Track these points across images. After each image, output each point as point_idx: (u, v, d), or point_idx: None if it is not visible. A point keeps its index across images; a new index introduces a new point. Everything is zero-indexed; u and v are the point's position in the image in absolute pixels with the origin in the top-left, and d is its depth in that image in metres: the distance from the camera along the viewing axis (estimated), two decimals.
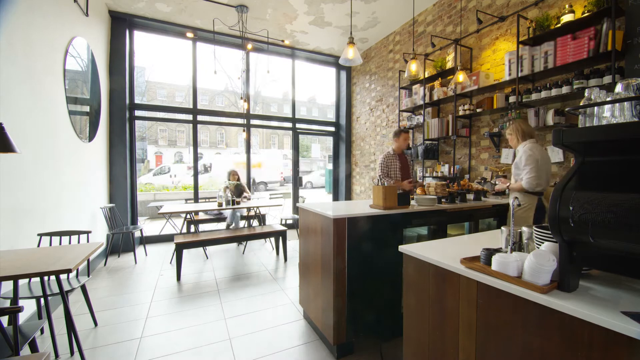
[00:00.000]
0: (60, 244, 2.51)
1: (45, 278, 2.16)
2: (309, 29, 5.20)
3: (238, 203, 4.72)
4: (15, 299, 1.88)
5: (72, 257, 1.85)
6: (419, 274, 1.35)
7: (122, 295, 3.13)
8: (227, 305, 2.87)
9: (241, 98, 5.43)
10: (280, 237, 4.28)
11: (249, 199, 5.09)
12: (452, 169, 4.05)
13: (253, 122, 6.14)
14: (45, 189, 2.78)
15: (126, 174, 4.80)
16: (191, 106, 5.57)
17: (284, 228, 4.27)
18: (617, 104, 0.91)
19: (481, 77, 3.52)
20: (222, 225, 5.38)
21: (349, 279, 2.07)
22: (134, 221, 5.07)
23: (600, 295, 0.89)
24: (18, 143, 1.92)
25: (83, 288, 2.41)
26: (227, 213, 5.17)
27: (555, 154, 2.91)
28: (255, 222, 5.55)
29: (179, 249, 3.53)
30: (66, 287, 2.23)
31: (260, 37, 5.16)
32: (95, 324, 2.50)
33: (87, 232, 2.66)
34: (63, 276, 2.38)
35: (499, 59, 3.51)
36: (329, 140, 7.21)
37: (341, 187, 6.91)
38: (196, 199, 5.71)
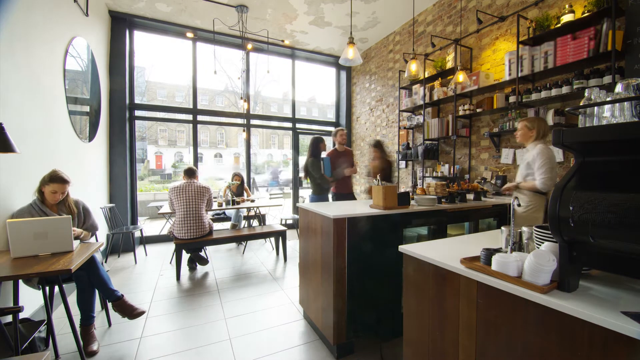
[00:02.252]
0: None
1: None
2: (309, 29, 5.20)
3: (239, 203, 4.73)
4: (15, 298, 1.88)
5: (72, 257, 1.85)
6: (419, 274, 1.35)
7: None
8: (227, 305, 2.87)
9: (241, 98, 5.43)
10: (280, 237, 4.28)
11: (252, 200, 5.11)
12: (452, 169, 4.05)
13: (253, 122, 6.15)
14: None
15: (126, 174, 4.80)
16: (191, 106, 5.57)
17: (284, 228, 4.27)
18: (617, 104, 0.91)
19: (481, 77, 3.52)
20: (222, 225, 5.38)
21: (349, 279, 2.07)
22: (134, 221, 5.07)
23: (600, 295, 0.89)
24: (18, 143, 1.92)
25: None
26: (231, 213, 5.18)
27: (555, 154, 2.91)
28: (255, 222, 5.56)
29: (179, 249, 3.53)
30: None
31: (260, 37, 5.16)
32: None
33: None
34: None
35: (499, 59, 3.51)
36: (329, 140, 7.19)
37: None
38: None
